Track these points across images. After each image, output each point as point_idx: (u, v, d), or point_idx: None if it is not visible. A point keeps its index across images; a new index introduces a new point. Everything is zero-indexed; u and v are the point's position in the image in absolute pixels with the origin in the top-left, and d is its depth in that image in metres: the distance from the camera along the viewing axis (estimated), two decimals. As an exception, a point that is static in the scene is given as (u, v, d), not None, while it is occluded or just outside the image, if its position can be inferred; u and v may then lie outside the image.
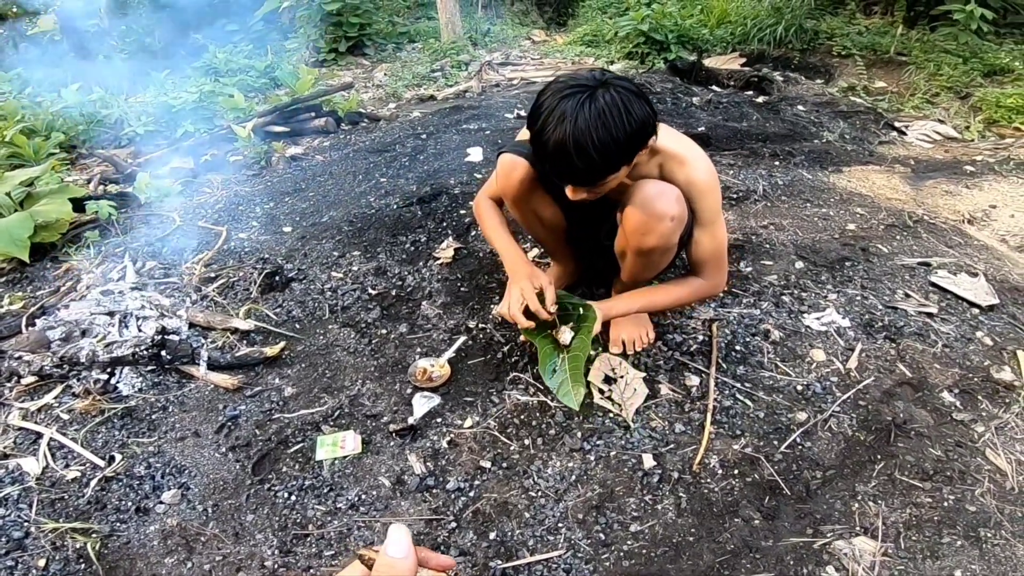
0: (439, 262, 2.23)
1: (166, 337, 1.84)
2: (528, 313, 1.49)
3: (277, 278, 2.19)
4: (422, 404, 1.65)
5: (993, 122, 3.84)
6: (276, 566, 1.32)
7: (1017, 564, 1.26)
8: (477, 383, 1.72)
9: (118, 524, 1.41)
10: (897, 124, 3.84)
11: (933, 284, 2.02)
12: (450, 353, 1.80)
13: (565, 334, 1.48)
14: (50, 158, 3.49)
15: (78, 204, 2.67)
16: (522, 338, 1.50)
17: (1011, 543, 1.29)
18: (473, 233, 2.38)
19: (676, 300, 1.61)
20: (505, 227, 1.65)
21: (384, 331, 1.95)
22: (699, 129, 3.38)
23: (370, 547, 0.55)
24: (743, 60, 5.22)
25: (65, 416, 1.69)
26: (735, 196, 2.58)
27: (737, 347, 1.76)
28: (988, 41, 4.61)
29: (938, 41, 4.68)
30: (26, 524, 1.40)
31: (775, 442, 1.50)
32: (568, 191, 1.36)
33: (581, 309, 1.49)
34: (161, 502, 1.46)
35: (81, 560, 1.33)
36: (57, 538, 1.37)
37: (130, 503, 1.46)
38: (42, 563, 1.32)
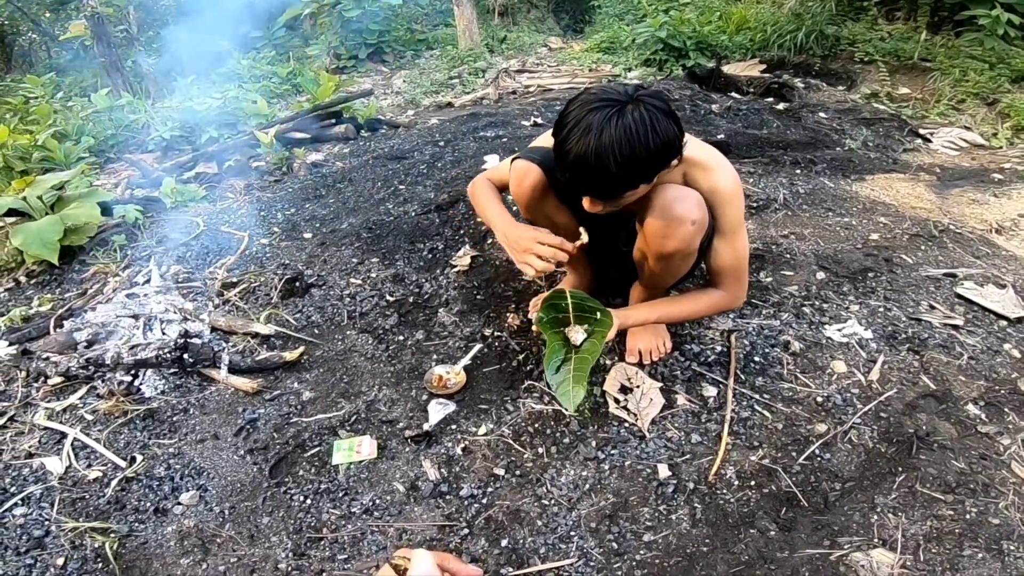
0: (456, 270, 2.24)
1: (189, 340, 1.87)
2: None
3: (297, 284, 2.22)
4: (437, 411, 1.66)
5: (1021, 129, 3.75)
6: (289, 568, 1.33)
7: None
8: (492, 391, 1.72)
9: (136, 524, 1.44)
10: (922, 131, 3.77)
11: (959, 295, 1.98)
12: (466, 360, 1.80)
13: (578, 334, 1.45)
14: (80, 162, 3.58)
15: (106, 208, 2.74)
16: (534, 328, 1.47)
17: None
18: (490, 241, 2.39)
19: (694, 312, 1.59)
20: (500, 200, 1.58)
21: (401, 337, 1.96)
22: (719, 136, 3.35)
23: (405, 557, 0.55)
24: (763, 67, 5.17)
25: (89, 416, 1.72)
26: (755, 205, 2.56)
27: (756, 358, 1.74)
28: (1016, 47, 4.51)
29: (963, 47, 4.59)
30: (47, 523, 1.43)
31: (793, 454, 1.48)
32: (585, 202, 1.36)
33: (599, 314, 1.47)
34: (179, 503, 1.48)
35: (99, 559, 1.35)
36: (76, 537, 1.39)
37: (149, 504, 1.48)
38: (60, 561, 1.35)
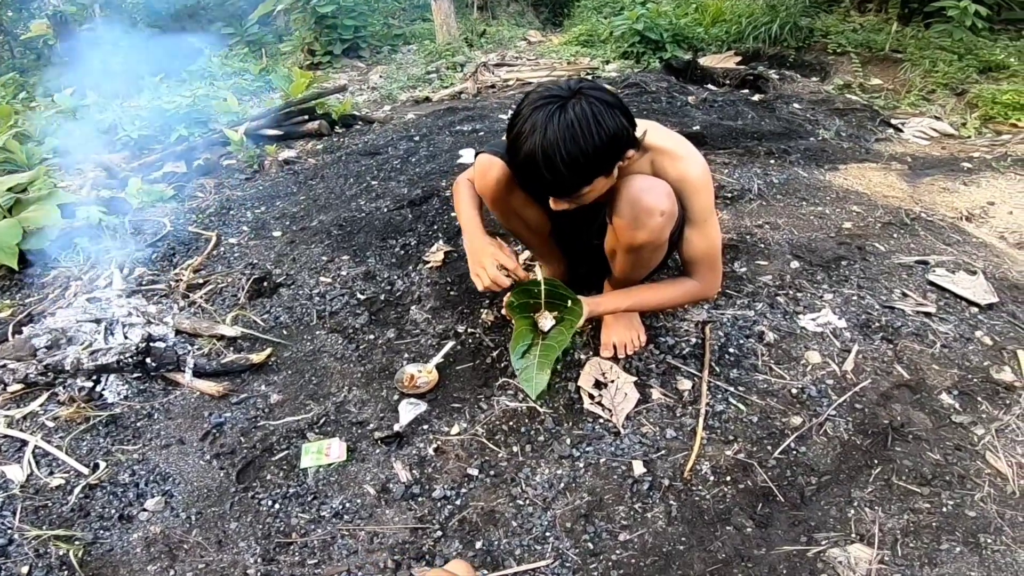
0: (429, 266, 2.20)
1: (151, 344, 1.81)
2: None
3: (265, 284, 2.16)
4: (409, 411, 1.62)
5: (989, 118, 3.82)
6: (259, 574, 1.30)
7: (1018, 571, 1.22)
8: (465, 389, 1.69)
9: (101, 532, 1.40)
10: (893, 121, 3.81)
11: (931, 283, 1.99)
12: (438, 358, 1.77)
13: (547, 320, 1.43)
14: (43, 163, 3.47)
15: (69, 210, 2.65)
16: (504, 311, 1.45)
17: (1012, 549, 1.26)
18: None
19: (666, 300, 1.58)
20: (475, 206, 1.59)
21: (372, 336, 1.92)
22: (694, 128, 3.35)
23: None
24: (738, 59, 5.20)
25: (50, 424, 1.67)
26: (730, 195, 2.55)
27: (731, 350, 1.73)
28: (983, 38, 4.59)
29: (933, 38, 4.67)
30: (9, 531, 1.39)
31: (769, 447, 1.47)
32: (551, 202, 1.35)
33: (569, 302, 1.44)
34: (145, 509, 1.45)
35: (64, 567, 1.32)
36: (40, 545, 1.36)
37: (113, 511, 1.45)
38: (25, 570, 1.31)
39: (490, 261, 1.43)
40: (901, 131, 3.71)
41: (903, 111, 4.11)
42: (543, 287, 1.44)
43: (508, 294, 1.47)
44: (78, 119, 4.25)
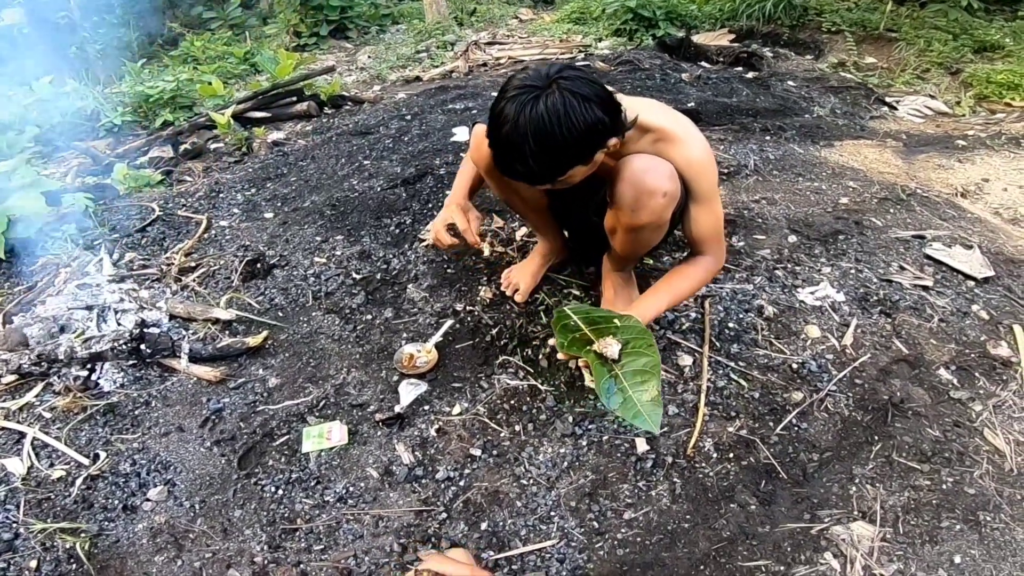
0: (425, 244, 2.17)
1: (145, 330, 1.78)
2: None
3: (259, 265, 2.13)
4: (409, 391, 1.61)
5: (984, 97, 3.82)
6: (266, 562, 1.29)
7: (1017, 549, 1.24)
8: (465, 368, 1.68)
9: (106, 523, 1.39)
10: (888, 99, 3.80)
11: (928, 257, 2.00)
12: (437, 337, 1.75)
13: (611, 347, 1.30)
14: (24, 152, 3.39)
15: (54, 198, 2.60)
16: (560, 355, 1.37)
17: (1010, 527, 1.27)
18: (460, 213, 2.33)
19: (697, 285, 1.54)
20: (469, 177, 1.60)
21: (369, 316, 1.90)
22: (689, 105, 3.32)
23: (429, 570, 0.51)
24: (732, 36, 5.15)
25: (47, 415, 1.65)
26: (726, 171, 2.54)
27: (730, 324, 1.73)
28: (978, 18, 4.59)
29: (928, 17, 4.66)
30: (15, 525, 1.38)
31: (770, 423, 1.48)
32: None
33: (616, 321, 1.33)
34: (148, 499, 1.43)
35: (72, 560, 1.31)
36: (46, 539, 1.35)
37: (117, 501, 1.43)
38: (33, 564, 1.31)
39: (441, 218, 1.48)
40: (896, 109, 3.70)
41: (898, 89, 4.10)
42: (575, 317, 1.36)
43: (555, 338, 1.39)
44: (58, 107, 4.15)
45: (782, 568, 1.21)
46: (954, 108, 3.78)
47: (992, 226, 2.26)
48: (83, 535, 1.35)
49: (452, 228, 1.57)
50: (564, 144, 1.17)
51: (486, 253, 1.42)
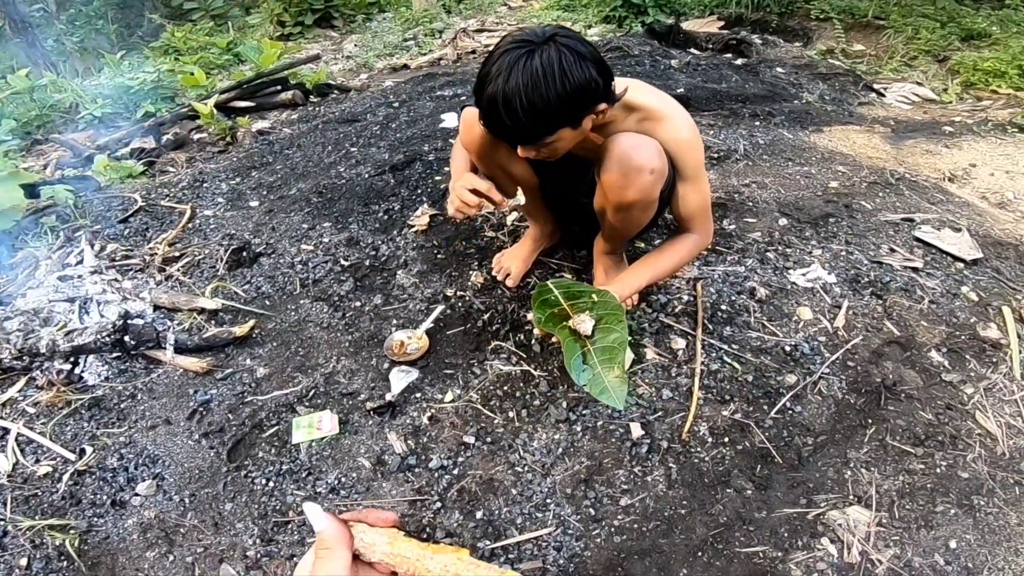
0: (414, 230, 2.15)
1: (129, 321, 1.75)
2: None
3: (244, 254, 2.09)
4: (400, 379, 1.59)
5: (971, 85, 3.84)
6: (259, 555, 1.28)
7: (1011, 533, 1.24)
8: (457, 354, 1.66)
9: (95, 519, 1.37)
10: (876, 86, 3.81)
11: (917, 239, 2.00)
12: (428, 324, 1.73)
13: (585, 323, 1.31)
14: (1, 145, 3.32)
15: (33, 191, 2.54)
16: (537, 331, 1.38)
17: (1004, 511, 1.28)
18: (449, 199, 2.29)
19: (680, 262, 1.56)
20: (466, 159, 1.57)
21: (358, 303, 1.87)
22: (678, 90, 3.31)
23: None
24: (721, 23, 5.13)
25: (31, 410, 1.62)
26: (716, 156, 2.53)
27: (723, 307, 1.72)
28: (965, 6, 4.62)
29: (916, 5, 4.69)
30: (3, 523, 1.36)
31: (765, 407, 1.47)
32: (518, 149, 1.31)
33: (594, 296, 1.35)
34: (137, 494, 1.41)
35: (62, 557, 1.29)
36: (35, 536, 1.33)
37: (105, 497, 1.41)
38: (24, 562, 1.29)
39: (460, 184, 1.39)
40: (884, 96, 3.71)
41: (885, 77, 4.11)
42: (557, 292, 1.37)
43: (532, 312, 1.40)
44: (35, 100, 4.06)
45: (779, 554, 1.21)
46: (941, 95, 3.79)
47: (979, 210, 2.27)
48: (72, 531, 1.33)
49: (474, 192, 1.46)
50: (557, 99, 1.15)
51: (517, 201, 1.38)
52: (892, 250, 1.95)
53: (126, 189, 2.70)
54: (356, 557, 0.49)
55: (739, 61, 4.10)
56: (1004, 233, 2.10)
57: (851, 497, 1.30)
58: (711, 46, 4.46)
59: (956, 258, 1.93)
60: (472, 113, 1.44)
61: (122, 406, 1.61)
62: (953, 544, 1.23)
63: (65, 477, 1.44)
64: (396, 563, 0.50)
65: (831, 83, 3.75)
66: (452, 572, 0.49)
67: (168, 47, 5.71)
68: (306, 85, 3.86)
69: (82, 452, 1.50)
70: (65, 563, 1.28)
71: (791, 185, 2.32)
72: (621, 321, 1.29)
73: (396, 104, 3.38)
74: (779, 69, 3.93)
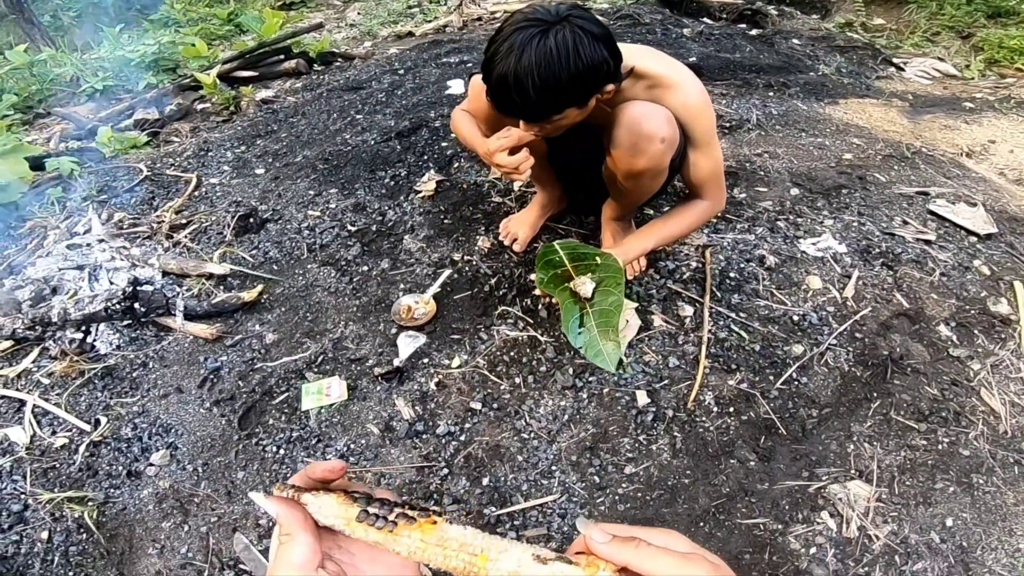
0: (421, 195, 2.14)
1: (138, 288, 1.75)
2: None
3: (251, 220, 2.09)
4: (407, 344, 1.59)
5: (994, 62, 3.76)
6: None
7: (1007, 513, 1.24)
8: (464, 319, 1.66)
9: (112, 490, 1.38)
10: (895, 60, 3.72)
11: (931, 212, 1.97)
12: (435, 288, 1.72)
13: (586, 285, 1.34)
14: (4, 119, 3.31)
15: (38, 163, 2.54)
16: (537, 291, 1.39)
17: (1002, 491, 1.28)
18: (456, 164, 2.28)
19: (688, 227, 1.55)
20: (475, 124, 1.55)
21: (365, 268, 1.87)
22: (690, 60, 3.24)
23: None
24: (735, -9, 4.98)
25: (45, 380, 1.63)
26: (728, 125, 2.49)
27: (732, 274, 1.71)
28: (993, -18, 4.46)
29: (941, -20, 4.52)
30: (23, 496, 1.37)
31: (771, 377, 1.47)
32: (521, 125, 1.30)
33: (598, 258, 1.36)
34: (151, 464, 1.42)
35: (82, 530, 1.31)
36: (55, 508, 1.34)
37: (121, 467, 1.42)
38: (45, 535, 1.30)
39: (494, 141, 1.36)
40: (903, 70, 3.62)
41: (906, 51, 4.02)
42: (562, 252, 1.38)
43: (535, 272, 1.41)
44: (35, 75, 4.03)
45: (780, 527, 1.22)
46: (963, 71, 3.71)
47: (996, 185, 2.22)
48: (90, 503, 1.35)
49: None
50: (569, 80, 1.15)
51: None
52: (905, 222, 1.93)
53: (131, 160, 2.68)
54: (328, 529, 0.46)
55: (754, 32, 4.01)
56: (1021, 209, 2.06)
57: (852, 471, 1.30)
58: (725, 16, 4.34)
59: (970, 232, 1.90)
60: (481, 81, 1.41)
61: (134, 375, 1.63)
62: (950, 522, 1.23)
63: (81, 448, 1.45)
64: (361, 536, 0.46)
65: (849, 56, 3.66)
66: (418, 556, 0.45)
67: (168, 19, 5.63)
68: (309, 54, 3.80)
69: (97, 423, 1.51)
70: (84, 535, 1.30)
71: (804, 156, 2.28)
72: (620, 284, 1.31)
73: (401, 71, 3.33)
74: (795, 41, 3.83)
